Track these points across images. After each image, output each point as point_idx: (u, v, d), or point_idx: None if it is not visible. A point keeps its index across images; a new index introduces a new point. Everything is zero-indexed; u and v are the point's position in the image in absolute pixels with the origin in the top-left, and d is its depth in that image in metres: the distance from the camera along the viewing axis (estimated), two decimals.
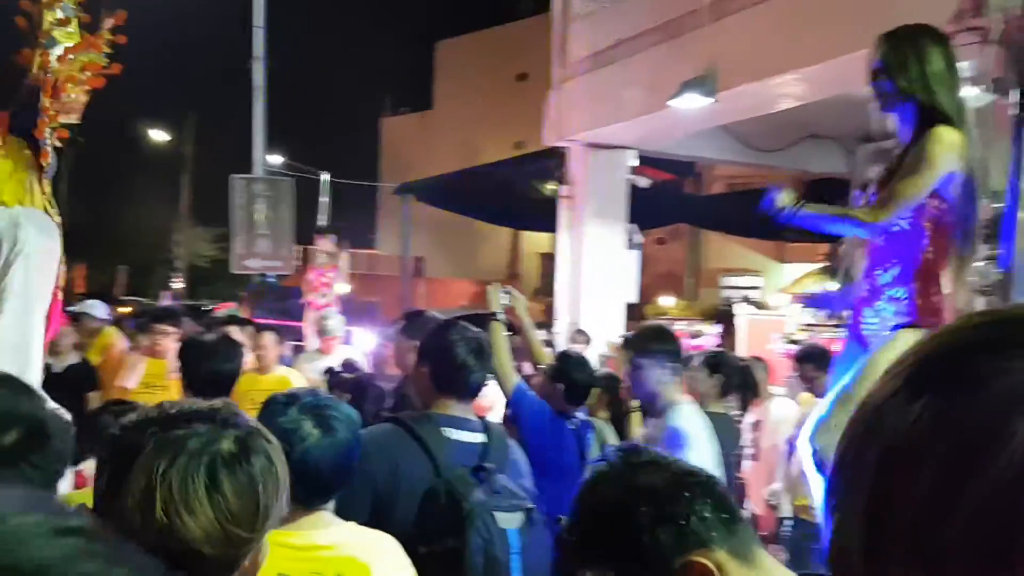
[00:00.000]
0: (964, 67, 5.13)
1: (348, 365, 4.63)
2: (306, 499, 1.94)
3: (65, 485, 1.63)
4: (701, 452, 3.21)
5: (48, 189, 2.99)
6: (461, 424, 2.78)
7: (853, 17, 5.70)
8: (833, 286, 13.13)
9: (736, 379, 4.57)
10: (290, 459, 1.92)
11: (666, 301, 23.43)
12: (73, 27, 3.35)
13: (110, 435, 1.10)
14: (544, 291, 27.87)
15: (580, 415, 4.03)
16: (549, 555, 2.44)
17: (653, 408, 3.40)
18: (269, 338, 5.70)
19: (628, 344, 3.73)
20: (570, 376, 3.81)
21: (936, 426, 0.44)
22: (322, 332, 7.04)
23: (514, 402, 3.75)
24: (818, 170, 9.84)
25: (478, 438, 2.79)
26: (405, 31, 37.48)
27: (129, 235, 28.49)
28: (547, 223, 12.62)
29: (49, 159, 3.04)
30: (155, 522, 0.97)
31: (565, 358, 4.03)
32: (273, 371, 5.64)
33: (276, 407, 2.00)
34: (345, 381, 4.16)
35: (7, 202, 2.76)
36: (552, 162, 9.19)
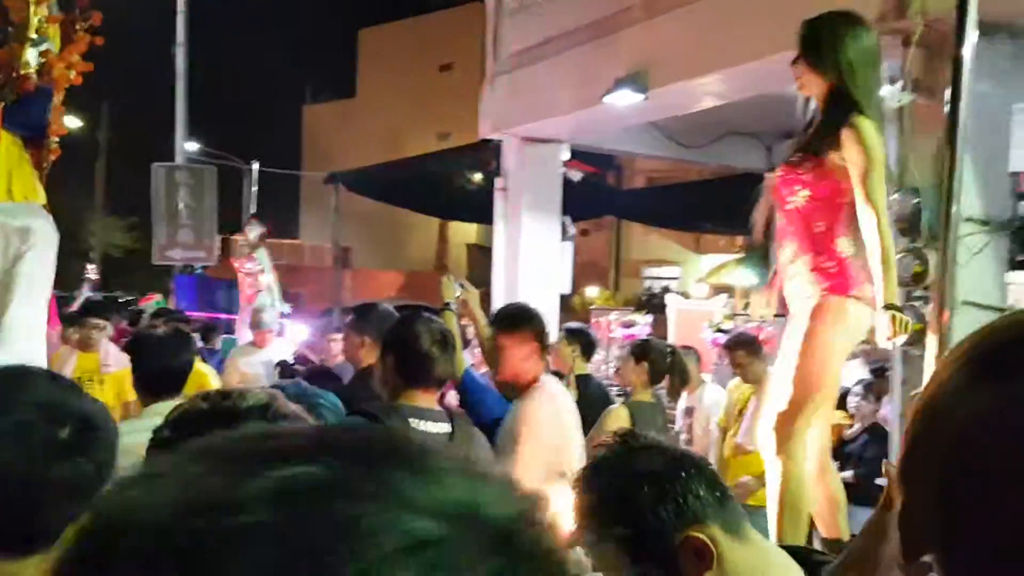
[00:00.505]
0: (885, 67, 5.44)
1: (300, 358, 4.64)
2: None
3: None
4: (541, 435, 3.24)
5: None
6: (427, 415, 2.85)
7: (777, 19, 5.92)
8: (749, 274, 13.57)
9: (663, 367, 4.60)
10: None
11: (591, 291, 23.81)
12: (56, 26, 3.33)
13: (160, 437, 1.16)
14: (472, 281, 27.92)
15: None
16: None
17: (516, 389, 3.39)
18: None
19: (492, 323, 3.70)
20: None
21: (1010, 409, 0.49)
22: (256, 325, 6.97)
23: (466, 386, 3.79)
24: (739, 165, 10.16)
25: (443, 428, 2.88)
26: (328, 18, 36.89)
27: None
28: (478, 214, 12.72)
29: (54, 157, 3.07)
30: None
31: None
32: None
33: None
34: (300, 374, 4.17)
35: (15, 196, 2.78)
36: (485, 154, 9.27)
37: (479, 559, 0.38)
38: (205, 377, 5.20)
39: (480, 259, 29.92)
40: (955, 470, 0.51)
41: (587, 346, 5.27)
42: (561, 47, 7.93)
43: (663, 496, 1.24)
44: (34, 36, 2.98)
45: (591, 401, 4.56)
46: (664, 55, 6.84)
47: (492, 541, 0.38)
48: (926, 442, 0.55)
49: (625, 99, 6.94)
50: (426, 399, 2.90)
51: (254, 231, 7.90)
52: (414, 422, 2.79)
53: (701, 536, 1.22)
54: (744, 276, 17.95)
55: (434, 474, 0.40)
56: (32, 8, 3.12)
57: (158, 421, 2.74)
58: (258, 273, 7.83)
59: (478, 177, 10.27)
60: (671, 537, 1.23)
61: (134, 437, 1.63)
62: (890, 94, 5.08)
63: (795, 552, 1.33)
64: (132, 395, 6.24)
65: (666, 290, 26.48)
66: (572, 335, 5.29)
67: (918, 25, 4.73)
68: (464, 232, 29.49)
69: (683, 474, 1.27)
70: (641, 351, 4.52)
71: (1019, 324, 0.54)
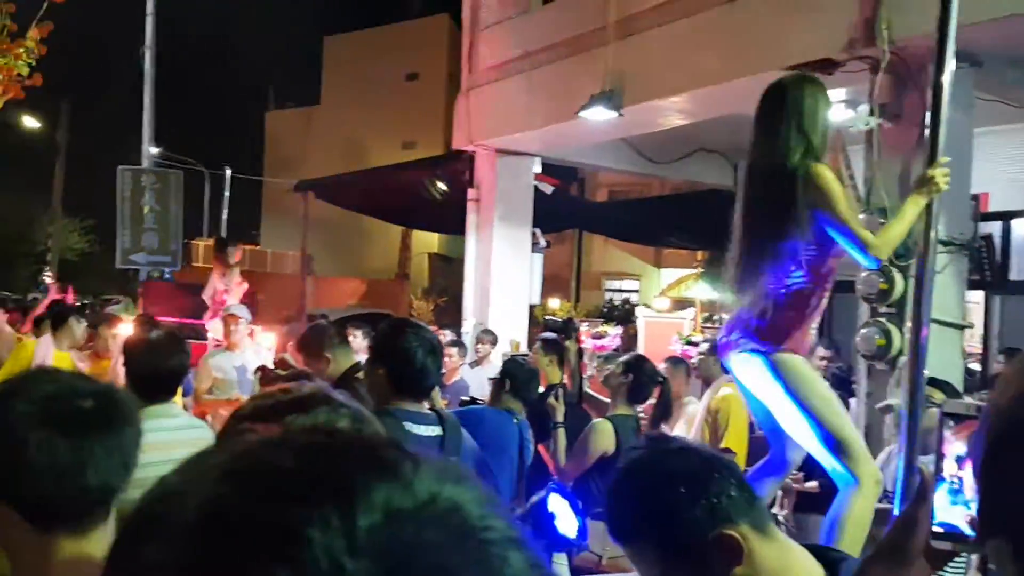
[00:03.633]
0: (847, 92, 5.64)
1: (281, 362, 4.66)
2: None
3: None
4: None
5: None
6: (419, 419, 2.92)
7: (747, 43, 6.14)
8: (707, 289, 13.71)
9: (648, 390, 4.44)
10: None
11: (552, 303, 23.95)
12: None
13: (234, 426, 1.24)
14: (433, 291, 27.99)
15: (518, 413, 4.23)
16: None
17: None
18: None
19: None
20: (516, 376, 4.00)
21: None
22: (228, 321, 6.99)
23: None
24: (706, 181, 10.38)
25: (435, 431, 2.95)
26: (294, 25, 36.71)
27: None
28: (447, 224, 12.76)
29: None
30: None
31: (513, 361, 4.24)
32: None
33: None
34: (280, 379, 4.20)
35: None
36: (457, 165, 9.35)
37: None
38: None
39: (441, 268, 29.97)
40: None
41: (561, 356, 5.34)
42: (536, 62, 8.06)
43: (698, 496, 1.32)
44: None
45: (568, 411, 4.61)
46: (637, 73, 7.00)
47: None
48: (1013, 442, 0.65)
49: (600, 115, 7.09)
50: (416, 404, 2.96)
51: (234, 254, 7.99)
52: (407, 425, 2.86)
53: (733, 534, 1.31)
54: (704, 290, 18.26)
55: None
56: None
57: (156, 423, 2.79)
58: (231, 288, 7.87)
59: (447, 188, 10.33)
60: (704, 535, 1.32)
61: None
62: (857, 118, 5.29)
63: (812, 550, 1.42)
64: None
65: (627, 302, 26.77)
66: (548, 346, 5.36)
67: (886, 52, 4.93)
68: (426, 241, 29.49)
69: (716, 475, 1.36)
70: (630, 366, 4.40)
71: None
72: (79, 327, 6.49)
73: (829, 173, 3.09)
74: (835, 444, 3.10)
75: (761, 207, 3.22)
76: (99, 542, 1.28)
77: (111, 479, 1.28)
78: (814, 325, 3.37)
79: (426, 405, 3.04)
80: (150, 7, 13.41)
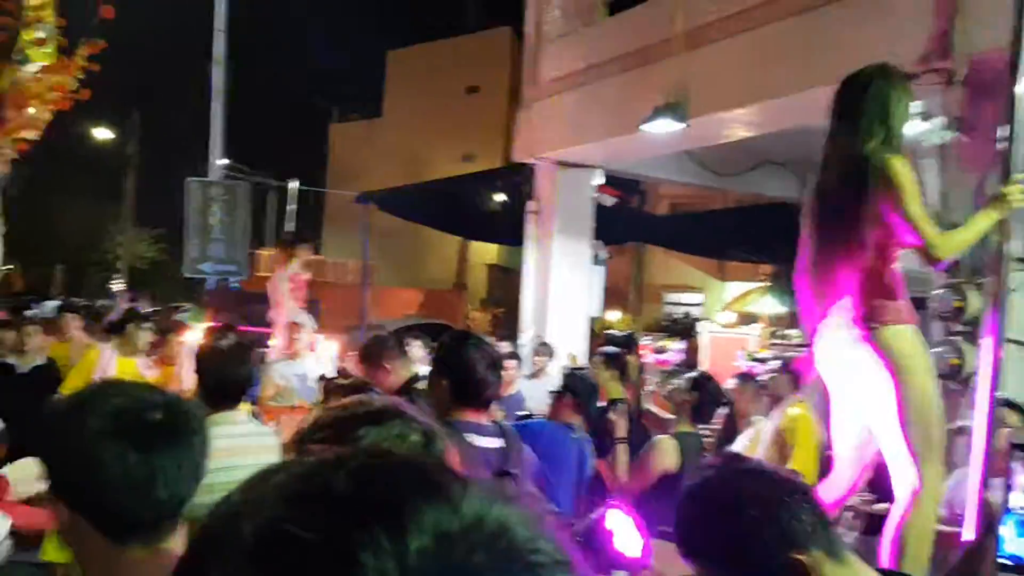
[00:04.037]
0: (921, 105, 5.50)
1: (342, 371, 4.72)
2: None
3: None
4: None
5: None
6: (481, 430, 2.92)
7: (819, 54, 6.02)
8: (774, 304, 13.49)
9: (709, 411, 4.45)
10: None
11: (611, 315, 23.82)
12: (50, 48, 3.41)
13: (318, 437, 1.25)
14: (491, 302, 28.05)
15: (578, 427, 4.20)
16: None
17: None
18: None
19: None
20: (576, 389, 3.98)
21: None
22: (294, 328, 7.13)
23: None
24: (771, 194, 10.22)
25: (496, 443, 2.94)
26: (357, 39, 37.33)
27: (64, 234, 27.73)
28: (507, 235, 12.79)
29: (5, 168, 3.14)
30: None
31: (572, 375, 4.22)
32: None
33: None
34: (342, 387, 4.25)
35: None
36: (517, 177, 9.37)
37: None
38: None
39: (499, 279, 30.05)
40: None
41: (623, 370, 5.30)
42: (600, 74, 8.04)
43: (769, 519, 1.29)
44: (19, 56, 3.10)
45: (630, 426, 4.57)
46: (703, 85, 6.92)
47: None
48: None
49: (664, 127, 7.02)
50: (477, 416, 2.97)
51: (305, 251, 8.14)
52: (469, 437, 2.86)
53: (804, 559, 1.27)
54: (770, 304, 17.94)
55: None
56: (21, 31, 3.25)
57: (222, 430, 2.84)
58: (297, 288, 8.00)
59: (507, 199, 10.37)
60: (775, 559, 1.28)
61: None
62: (931, 131, 5.15)
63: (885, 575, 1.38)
64: None
65: (687, 316, 26.47)
66: (608, 360, 5.33)
67: (961, 65, 4.80)
68: (483, 252, 29.60)
69: (787, 499, 1.32)
70: (697, 384, 4.33)
71: None
72: (143, 334, 6.65)
73: (904, 167, 3.01)
74: (919, 434, 2.98)
75: (834, 194, 3.15)
76: (170, 552, 1.30)
77: (181, 490, 1.30)
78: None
79: (487, 417, 3.05)
80: (220, 23, 13.74)
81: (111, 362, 6.42)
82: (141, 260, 29.21)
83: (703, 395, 4.23)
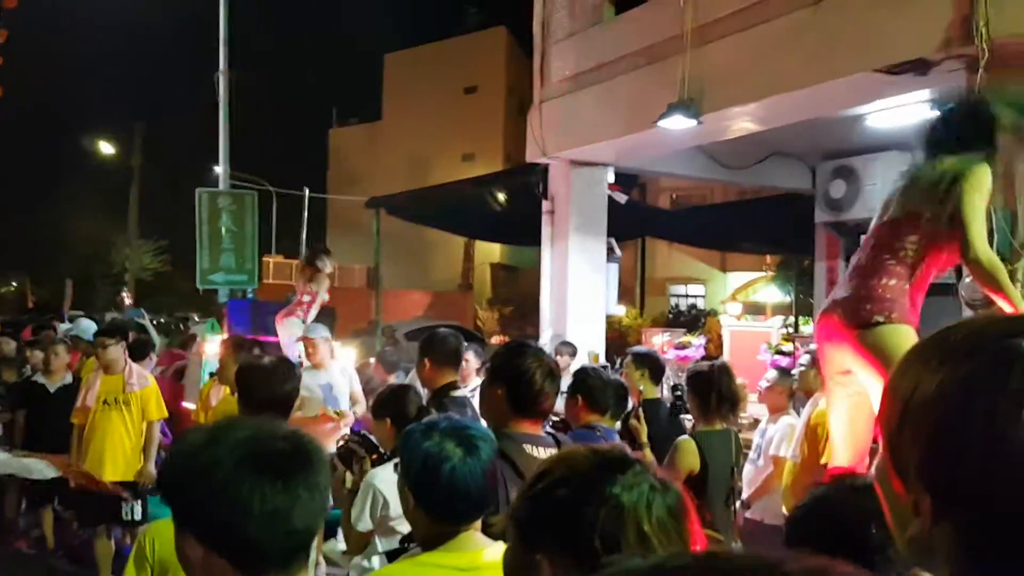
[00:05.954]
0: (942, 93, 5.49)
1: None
2: (457, 519, 2.05)
3: None
4: None
5: None
6: (538, 441, 2.90)
7: (835, 45, 6.00)
8: (779, 292, 13.48)
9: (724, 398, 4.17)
10: (438, 481, 2.04)
11: (617, 310, 23.80)
12: None
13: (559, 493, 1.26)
14: (497, 301, 28.05)
15: (602, 425, 4.17)
16: None
17: None
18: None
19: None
20: (585, 388, 3.97)
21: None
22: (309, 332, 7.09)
23: None
24: (783, 186, 10.22)
25: (552, 453, 2.94)
26: (354, 43, 37.33)
27: (70, 248, 27.75)
28: (520, 236, 12.79)
29: None
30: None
31: (584, 373, 4.20)
32: None
33: (417, 435, 2.12)
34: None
35: None
36: (530, 177, 9.36)
37: None
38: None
39: (504, 278, 30.04)
40: None
41: (655, 370, 5.21)
42: (611, 73, 8.02)
43: (890, 536, 1.29)
44: None
45: (662, 429, 4.47)
46: (716, 81, 6.91)
47: None
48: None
49: (678, 124, 7.01)
50: (534, 427, 2.95)
51: (329, 263, 8.03)
52: (528, 448, 2.84)
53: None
54: (774, 294, 17.99)
55: None
56: None
57: None
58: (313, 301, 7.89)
59: (519, 199, 10.34)
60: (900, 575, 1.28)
61: None
62: None
63: None
64: (156, 414, 6.36)
65: (693, 307, 26.46)
66: (639, 359, 5.24)
67: (984, 51, 4.79)
68: (488, 252, 29.62)
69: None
70: (698, 382, 4.17)
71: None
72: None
73: (985, 176, 3.04)
74: None
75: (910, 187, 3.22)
76: None
77: (312, 520, 1.30)
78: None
79: (542, 428, 3.04)
80: (223, 35, 13.73)
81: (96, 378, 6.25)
82: (145, 271, 29.24)
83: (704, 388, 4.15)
